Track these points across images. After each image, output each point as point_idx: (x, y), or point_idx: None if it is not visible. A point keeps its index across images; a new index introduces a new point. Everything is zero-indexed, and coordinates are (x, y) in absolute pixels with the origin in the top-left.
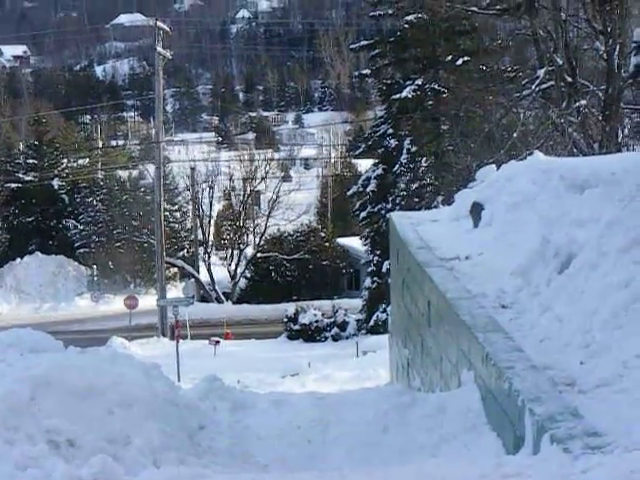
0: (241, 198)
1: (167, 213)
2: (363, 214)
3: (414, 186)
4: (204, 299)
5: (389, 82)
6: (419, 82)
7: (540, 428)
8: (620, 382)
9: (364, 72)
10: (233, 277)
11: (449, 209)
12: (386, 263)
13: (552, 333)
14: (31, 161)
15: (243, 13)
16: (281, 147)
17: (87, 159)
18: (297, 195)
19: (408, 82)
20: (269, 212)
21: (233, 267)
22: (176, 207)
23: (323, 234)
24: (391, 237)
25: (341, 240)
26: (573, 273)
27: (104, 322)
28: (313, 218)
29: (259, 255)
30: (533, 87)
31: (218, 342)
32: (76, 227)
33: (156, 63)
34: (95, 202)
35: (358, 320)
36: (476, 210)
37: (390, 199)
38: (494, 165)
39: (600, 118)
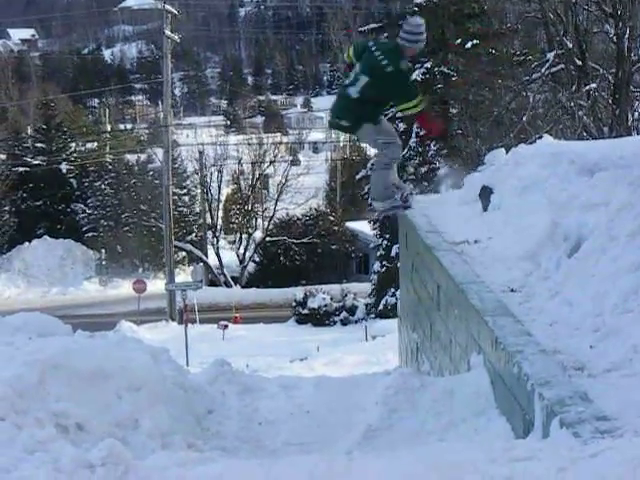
0: (250, 182)
1: (175, 197)
2: None
3: (423, 170)
4: (213, 283)
5: None
6: (428, 65)
7: (549, 412)
8: (630, 366)
9: None
10: (242, 261)
11: (458, 193)
12: (395, 247)
13: (561, 317)
14: (39, 145)
15: None
16: (290, 131)
17: (95, 143)
18: (306, 179)
19: (417, 65)
20: (278, 196)
21: (242, 251)
22: (184, 191)
23: (332, 218)
24: (400, 221)
25: (350, 224)
26: (583, 257)
27: (112, 306)
28: (322, 202)
29: (268, 239)
30: (542, 70)
31: (226, 326)
32: (84, 211)
33: (164, 46)
34: (103, 186)
35: (367, 304)
36: (485, 194)
37: None
38: (503, 149)
39: (610, 101)
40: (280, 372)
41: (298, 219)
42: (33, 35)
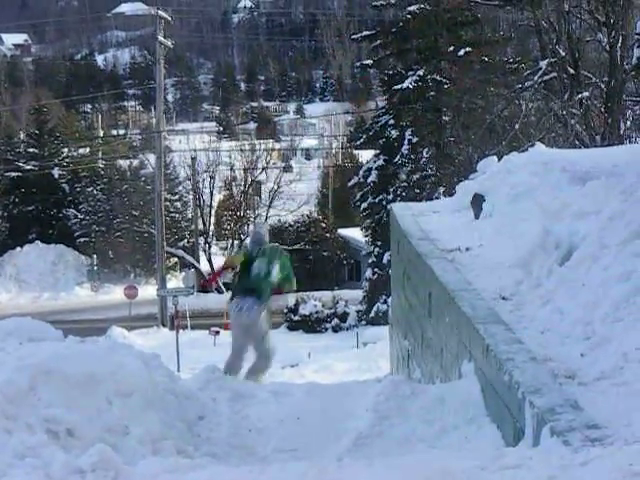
0: (242, 188)
1: (167, 203)
2: (364, 205)
3: (415, 177)
4: (204, 289)
5: (391, 73)
6: (421, 73)
7: (540, 420)
8: (620, 374)
9: (366, 62)
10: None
11: (450, 200)
12: (387, 254)
13: (553, 325)
14: (31, 150)
15: (245, 2)
16: (282, 137)
17: (88, 148)
18: (298, 185)
19: (410, 73)
20: (270, 202)
21: None
22: (177, 197)
23: (324, 225)
24: (392, 228)
25: (342, 231)
26: (574, 265)
27: (104, 312)
28: (314, 209)
29: None
30: (535, 78)
31: (218, 332)
32: (76, 216)
33: (157, 52)
34: (95, 191)
35: (358, 311)
36: (477, 201)
37: (391, 190)
38: (495, 157)
39: (602, 110)
40: (271, 378)
41: (290, 226)
42: (26, 40)
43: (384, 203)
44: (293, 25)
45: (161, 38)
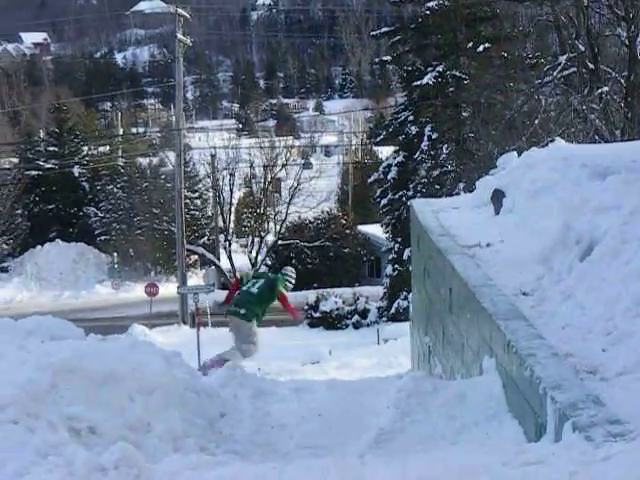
0: (262, 185)
1: (187, 200)
2: (384, 201)
3: (435, 173)
4: (225, 286)
5: (410, 69)
6: (440, 69)
7: (562, 416)
8: None
9: (385, 59)
10: (254, 264)
11: (470, 196)
12: (407, 250)
13: (574, 320)
14: (52, 149)
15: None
16: (302, 134)
17: (107, 147)
18: (318, 182)
19: (429, 69)
20: (290, 199)
21: (254, 254)
22: (196, 194)
23: (344, 221)
24: (412, 224)
25: (362, 227)
26: (595, 260)
27: (125, 310)
28: (334, 205)
29: (280, 242)
30: (555, 74)
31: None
32: (96, 215)
33: (176, 50)
34: (115, 190)
35: (379, 308)
36: (497, 197)
37: (411, 186)
38: (515, 152)
39: (622, 105)
40: (292, 375)
41: (310, 222)
42: (45, 39)
43: (404, 199)
44: (312, 22)
45: (180, 36)
